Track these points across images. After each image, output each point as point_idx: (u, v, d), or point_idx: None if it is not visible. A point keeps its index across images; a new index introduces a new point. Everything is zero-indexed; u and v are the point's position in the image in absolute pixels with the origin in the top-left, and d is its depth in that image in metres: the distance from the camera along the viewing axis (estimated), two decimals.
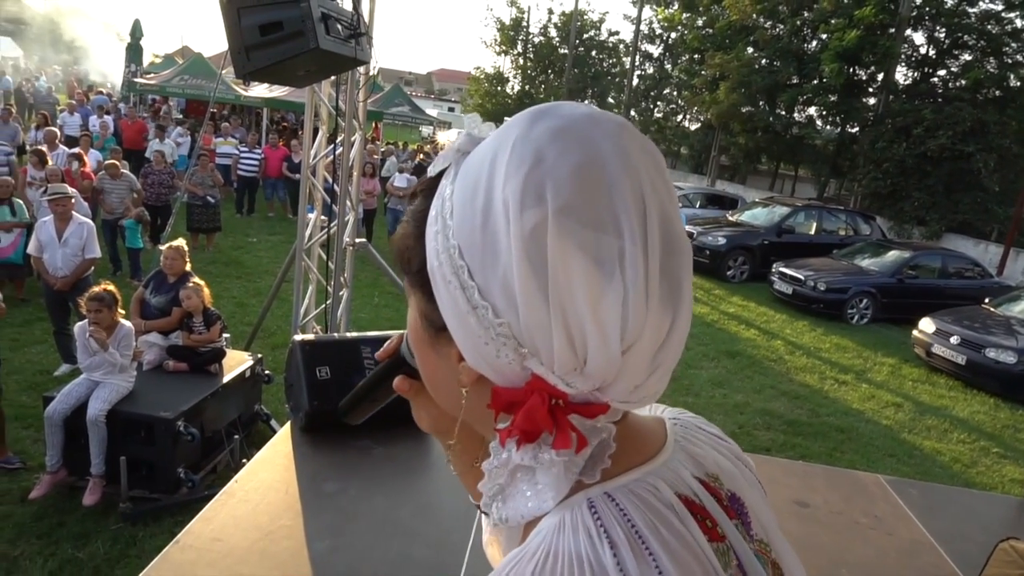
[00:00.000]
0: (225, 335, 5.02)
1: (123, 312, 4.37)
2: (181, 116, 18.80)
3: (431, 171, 0.58)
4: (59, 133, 10.70)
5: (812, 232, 14.75)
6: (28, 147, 10.67)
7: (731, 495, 0.62)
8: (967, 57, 20.68)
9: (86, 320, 4.17)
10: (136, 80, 20.17)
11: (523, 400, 0.51)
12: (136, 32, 21.94)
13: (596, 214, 0.47)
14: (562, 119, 0.51)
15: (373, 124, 21.08)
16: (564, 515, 0.52)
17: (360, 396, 0.78)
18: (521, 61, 35.41)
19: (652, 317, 0.49)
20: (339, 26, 3.38)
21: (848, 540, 3.02)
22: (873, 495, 3.47)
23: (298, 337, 3.41)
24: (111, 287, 4.29)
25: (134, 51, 21.87)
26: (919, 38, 21.62)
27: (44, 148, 8.93)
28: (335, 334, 4.20)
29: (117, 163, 8.52)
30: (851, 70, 20.27)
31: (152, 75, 20.88)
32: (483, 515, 0.83)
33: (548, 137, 0.50)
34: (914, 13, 20.16)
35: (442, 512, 2.80)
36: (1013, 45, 19.58)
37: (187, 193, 9.42)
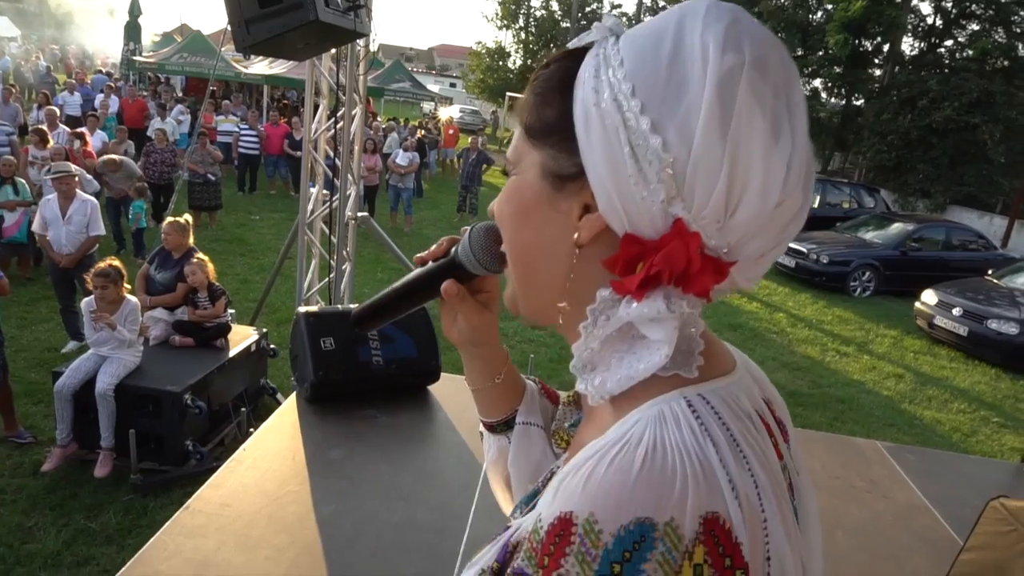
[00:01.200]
0: (230, 310, 5.07)
1: (128, 287, 4.42)
2: (181, 94, 18.70)
3: (574, 44, 0.61)
4: (59, 112, 10.67)
5: (816, 205, 14.70)
6: (29, 127, 10.65)
7: (779, 421, 0.64)
8: (974, 27, 20.42)
9: (92, 296, 4.22)
10: (135, 58, 20.05)
11: (660, 247, 0.53)
12: (134, 10, 21.73)
13: (778, 80, 0.52)
14: (727, 4, 0.56)
15: (368, 100, 20.96)
16: (662, 408, 0.52)
17: (387, 303, 0.76)
18: (523, 35, 35.02)
19: (796, 190, 0.53)
20: None
21: (844, 503, 3.08)
22: (870, 460, 3.52)
23: (302, 309, 3.45)
24: (116, 262, 4.33)
25: (132, 29, 21.68)
26: (926, 8, 21.49)
27: (45, 128, 8.92)
28: (339, 306, 4.24)
29: (114, 158, 8.45)
30: (856, 41, 20.02)
31: (151, 53, 20.75)
32: (491, 434, 0.85)
33: (738, 8, 0.55)
34: None
35: (444, 479, 2.86)
36: (1022, 14, 19.29)
37: (188, 171, 9.42)
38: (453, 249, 0.72)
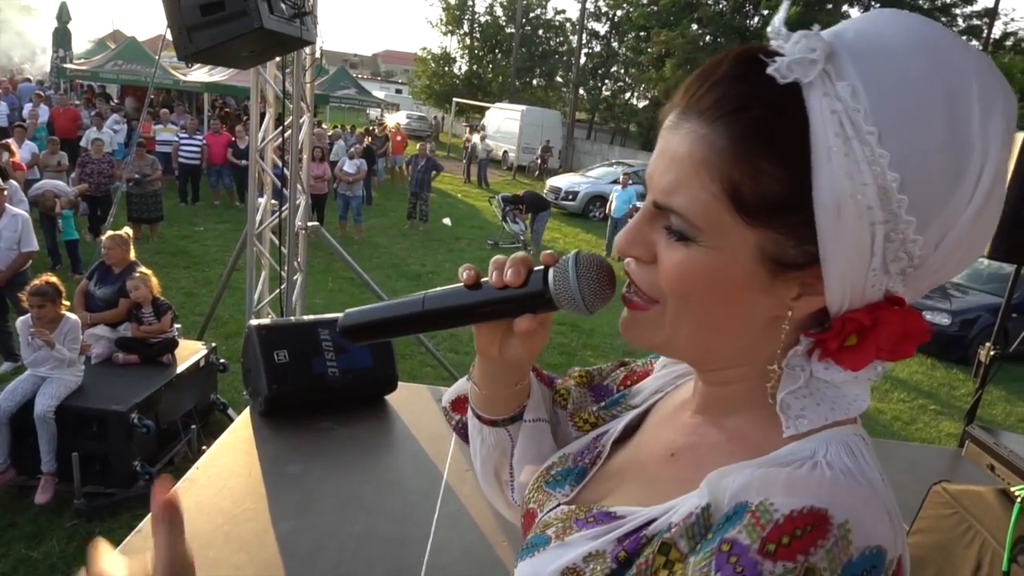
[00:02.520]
0: (176, 325, 4.92)
1: (67, 304, 4.25)
2: (117, 102, 18.09)
3: (786, 76, 0.48)
4: None
5: None
6: None
7: None
8: None
9: (29, 315, 4.05)
10: (66, 66, 19.32)
11: (873, 321, 0.51)
12: (63, 15, 20.98)
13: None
14: (980, 55, 0.50)
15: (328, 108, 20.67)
16: (848, 441, 0.52)
17: (407, 321, 0.67)
18: (468, 41, 35.11)
19: None
20: (283, 5, 3.32)
21: None
22: None
23: (254, 322, 3.38)
24: (54, 279, 4.16)
25: (62, 35, 20.92)
26: (856, 12, 22.22)
27: None
28: (291, 318, 4.17)
29: (50, 195, 7.95)
30: None
31: (83, 60, 20.02)
32: (491, 428, 0.80)
33: (993, 74, 0.49)
34: None
35: (405, 488, 2.84)
36: (943, 19, 20.29)
37: (126, 182, 9.09)
38: (547, 279, 0.61)
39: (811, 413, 0.54)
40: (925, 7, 20.25)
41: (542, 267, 0.63)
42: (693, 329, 0.57)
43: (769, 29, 0.52)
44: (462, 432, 0.88)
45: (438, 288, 0.66)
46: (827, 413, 0.54)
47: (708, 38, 22.64)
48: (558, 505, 0.68)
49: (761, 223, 0.50)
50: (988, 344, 3.88)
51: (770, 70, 0.49)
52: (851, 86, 0.47)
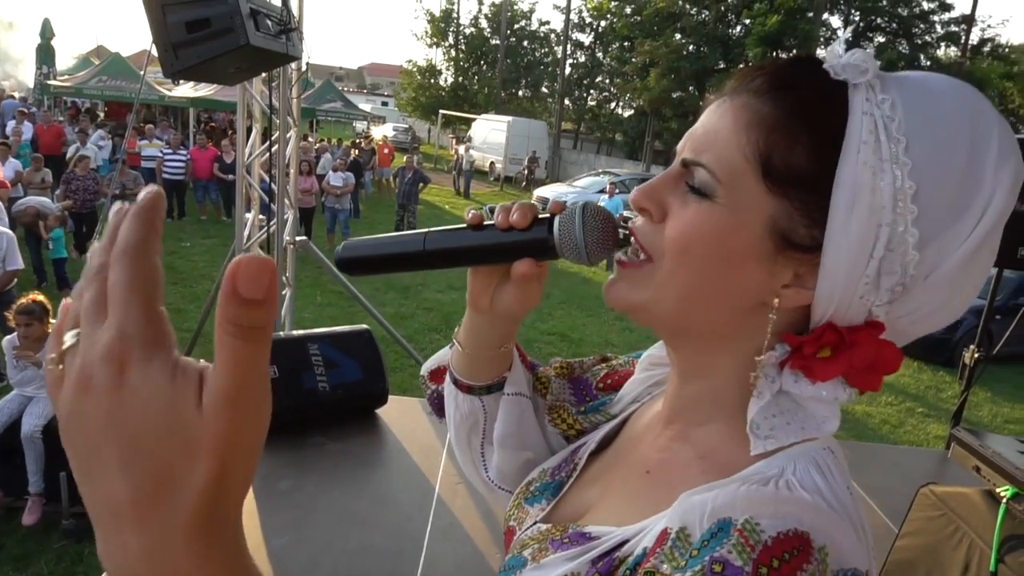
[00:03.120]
0: None
1: (53, 322, 4.22)
2: (102, 117, 18.02)
3: (838, 73, 0.53)
4: None
5: None
6: None
7: None
8: (881, 39, 21.70)
9: (15, 334, 4.02)
10: (49, 82, 19.22)
11: (852, 341, 0.52)
12: (46, 31, 20.85)
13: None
14: (1003, 119, 0.54)
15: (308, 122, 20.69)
16: (816, 457, 0.53)
17: (409, 256, 0.66)
18: (453, 53, 35.25)
19: None
20: (269, 22, 3.34)
21: None
22: None
23: None
24: (41, 298, 4.13)
25: (45, 52, 20.79)
26: (836, 21, 22.56)
27: None
28: (280, 332, 4.16)
29: (31, 210, 7.90)
30: (774, 53, 20.98)
31: (67, 76, 19.93)
32: (466, 394, 0.79)
33: (1013, 136, 0.53)
34: None
35: (399, 501, 2.84)
36: (921, 26, 20.64)
37: (111, 198, 9.04)
38: (551, 226, 0.62)
39: (780, 434, 0.55)
40: (904, 15, 20.60)
41: (548, 215, 0.63)
42: (680, 291, 0.57)
43: (828, 51, 0.55)
44: (436, 403, 0.86)
45: (441, 227, 0.66)
46: (795, 433, 0.55)
47: (691, 47, 22.88)
48: (534, 523, 0.68)
49: (782, 192, 0.53)
50: (972, 347, 3.93)
51: (826, 65, 0.54)
52: (891, 100, 0.52)
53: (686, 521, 0.50)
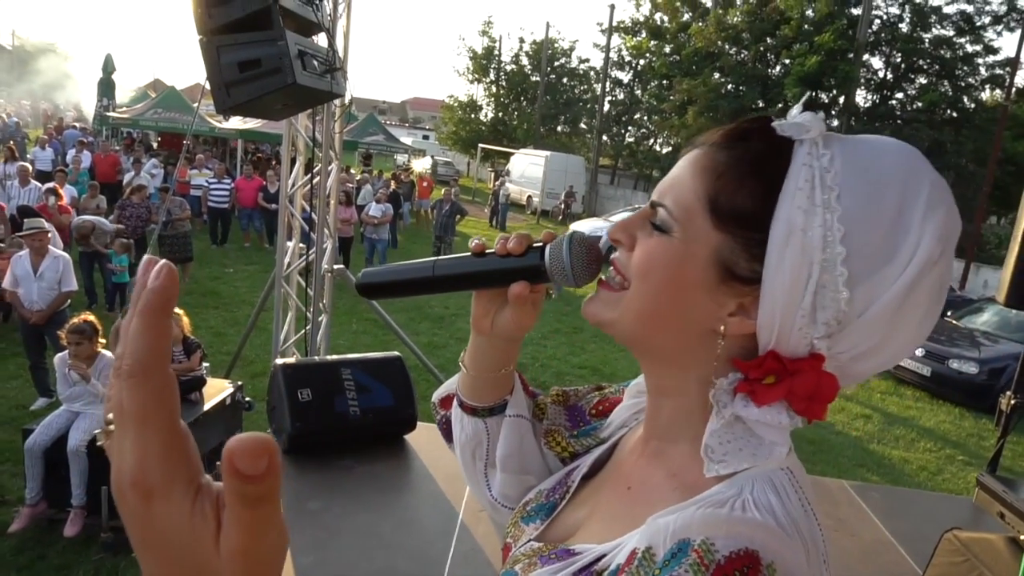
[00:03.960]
0: (204, 364, 5.06)
1: (103, 342, 4.41)
2: (155, 147, 18.77)
3: (784, 131, 0.59)
4: (31, 168, 10.66)
5: None
6: None
7: None
8: (922, 80, 21.50)
9: (66, 352, 4.21)
10: (109, 114, 20.14)
11: (795, 369, 0.58)
12: (108, 66, 21.92)
13: (950, 269, 0.59)
14: (938, 176, 0.60)
15: (357, 154, 21.24)
16: (772, 479, 0.58)
17: (421, 281, 0.75)
18: (494, 89, 35.90)
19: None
20: (315, 62, 3.53)
21: None
22: (837, 499, 3.62)
23: (279, 361, 3.50)
24: (91, 317, 4.33)
25: (106, 85, 21.84)
26: (877, 63, 22.44)
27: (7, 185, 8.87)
28: (316, 357, 4.29)
29: (87, 224, 8.38)
30: (813, 94, 20.93)
31: (125, 109, 20.87)
32: (470, 416, 0.85)
33: (947, 192, 0.59)
34: (871, 39, 20.94)
35: (423, 525, 2.89)
36: (964, 68, 20.40)
37: (167, 214, 9.37)
38: (543, 253, 0.70)
39: (732, 459, 0.60)
40: (947, 57, 20.40)
41: (541, 243, 0.71)
42: (639, 311, 0.64)
43: (789, 114, 0.62)
44: (445, 428, 0.93)
45: (448, 255, 0.75)
46: (747, 459, 0.60)
47: (730, 86, 22.96)
48: (528, 541, 0.74)
49: (727, 229, 0.59)
50: (1008, 393, 3.85)
51: (774, 124, 0.61)
52: (831, 155, 0.58)
53: (652, 541, 0.56)
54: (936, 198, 0.58)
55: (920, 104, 20.26)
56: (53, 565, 3.83)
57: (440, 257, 0.75)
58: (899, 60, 21.54)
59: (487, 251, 0.73)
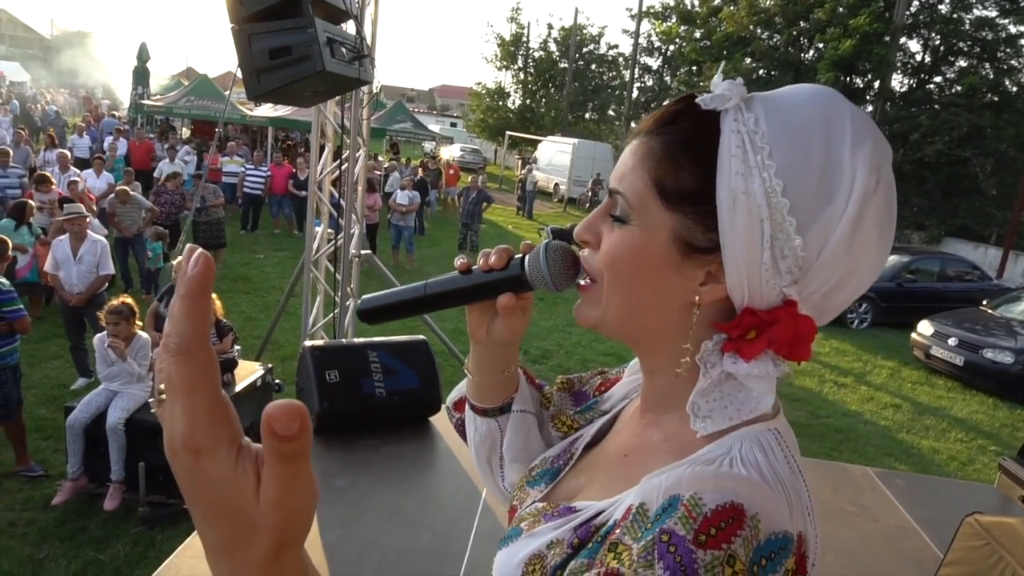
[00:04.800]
0: (236, 346, 5.20)
1: (140, 324, 4.56)
2: (188, 134, 19.10)
3: (707, 104, 0.62)
4: (69, 155, 10.93)
5: None
6: (38, 169, 10.90)
7: None
8: (962, 63, 20.90)
9: (105, 332, 4.36)
10: (143, 102, 20.52)
11: (772, 320, 0.61)
12: (143, 55, 22.30)
13: (892, 193, 0.62)
14: (857, 108, 0.63)
15: (386, 139, 21.39)
16: (759, 437, 0.62)
17: (413, 302, 0.80)
18: (522, 76, 35.76)
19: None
20: (343, 49, 3.58)
21: (834, 527, 3.16)
22: (861, 485, 3.61)
23: (308, 343, 3.58)
24: (129, 300, 4.47)
25: (140, 74, 22.23)
26: (914, 46, 21.86)
27: (48, 172, 9.14)
28: (343, 340, 4.38)
29: (126, 189, 8.71)
30: (847, 78, 20.49)
31: (159, 97, 21.25)
32: (482, 417, 0.91)
33: (869, 123, 0.62)
34: (909, 21, 20.40)
35: (446, 503, 2.96)
36: (1007, 50, 19.79)
37: (201, 200, 9.56)
38: (523, 263, 0.74)
39: (717, 415, 0.64)
40: (988, 39, 19.79)
41: (521, 255, 0.76)
42: (619, 302, 0.68)
43: (711, 82, 0.66)
44: (461, 429, 0.99)
45: (437, 276, 0.80)
46: (732, 414, 0.64)
47: (761, 71, 22.57)
48: (533, 502, 0.79)
49: (677, 208, 0.63)
50: None
51: (697, 100, 0.64)
52: (755, 117, 0.61)
53: (645, 498, 0.59)
54: (860, 132, 0.61)
55: (959, 88, 19.67)
56: (93, 537, 3.99)
57: (430, 280, 0.80)
58: (938, 42, 20.95)
59: (472, 268, 0.78)
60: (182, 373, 0.39)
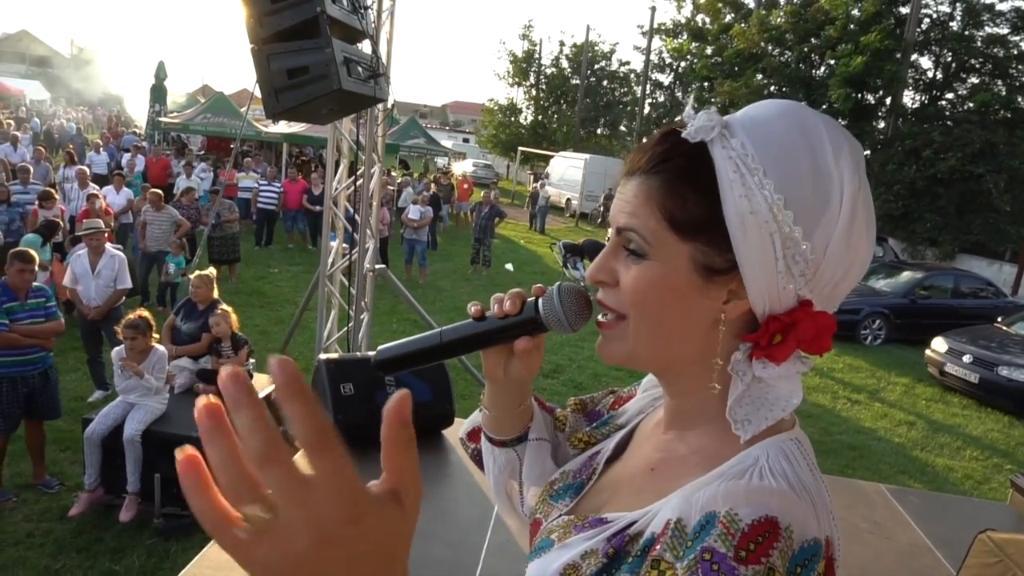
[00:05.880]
0: (251, 359, 5.25)
1: (156, 337, 4.62)
2: (203, 152, 19.36)
3: (694, 137, 0.67)
4: (88, 172, 11.10)
5: None
6: (57, 185, 11.09)
7: None
8: (974, 80, 20.84)
9: (122, 346, 4.43)
10: (160, 119, 20.84)
11: (793, 322, 0.66)
12: (160, 73, 22.69)
13: (868, 185, 0.69)
14: (825, 116, 0.69)
15: (397, 157, 21.57)
16: (782, 447, 0.66)
17: (430, 351, 0.80)
18: (534, 92, 35.99)
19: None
20: (359, 68, 3.66)
21: (847, 543, 3.12)
22: (874, 503, 3.60)
23: (323, 356, 3.63)
24: (146, 314, 4.54)
25: (158, 92, 22.60)
26: (926, 62, 21.83)
27: (67, 188, 9.29)
28: (357, 353, 4.42)
29: (159, 193, 8.83)
30: (859, 95, 20.48)
31: (176, 114, 21.56)
32: (500, 448, 0.94)
33: (838, 127, 0.69)
34: (920, 38, 20.40)
35: (458, 516, 2.98)
36: (1019, 67, 19.73)
37: (216, 216, 9.68)
38: (537, 307, 0.76)
39: (755, 417, 0.68)
40: (1001, 56, 19.74)
41: (534, 298, 0.78)
42: (650, 335, 0.71)
43: (684, 114, 0.71)
44: (477, 459, 1.01)
45: (452, 324, 0.82)
46: (767, 415, 0.68)
47: (773, 88, 22.60)
48: (560, 516, 0.81)
49: (691, 238, 0.67)
50: None
51: (684, 135, 0.69)
52: (740, 141, 0.66)
53: (682, 513, 0.62)
54: (836, 138, 0.67)
55: (971, 104, 19.63)
56: (109, 547, 4.04)
57: (445, 327, 0.81)
58: (949, 59, 20.93)
59: (487, 314, 0.80)
60: (326, 460, 0.40)
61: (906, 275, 12.63)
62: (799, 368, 0.68)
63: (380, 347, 0.82)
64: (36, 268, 4.54)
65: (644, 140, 0.74)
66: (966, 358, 9.20)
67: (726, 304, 0.69)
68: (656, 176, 0.69)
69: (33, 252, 4.62)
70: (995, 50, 19.80)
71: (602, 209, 24.04)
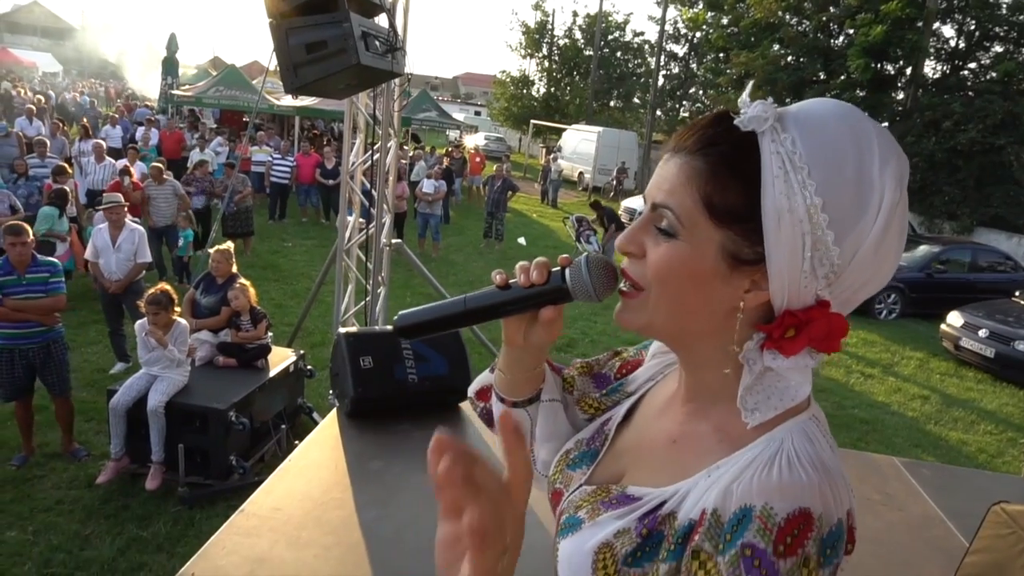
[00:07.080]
0: (269, 333, 5.33)
1: (178, 311, 4.69)
2: (216, 126, 19.36)
3: (746, 126, 0.68)
4: (104, 145, 11.15)
5: None
6: (73, 159, 11.15)
7: None
8: (998, 49, 20.38)
9: (144, 319, 4.50)
10: (173, 92, 20.81)
11: (808, 319, 0.68)
12: (172, 45, 22.59)
13: (907, 200, 0.69)
14: (881, 127, 0.70)
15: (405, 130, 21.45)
16: (804, 427, 0.69)
17: (453, 317, 0.81)
18: (546, 64, 35.59)
19: None
20: (377, 42, 3.65)
21: (860, 515, 3.12)
22: (887, 475, 3.63)
23: (343, 330, 3.68)
24: (168, 288, 4.61)
25: (170, 64, 22.54)
26: (948, 31, 21.35)
27: (67, 164, 9.32)
28: (376, 327, 4.48)
29: (161, 167, 8.85)
30: (878, 65, 20.10)
31: (187, 86, 21.52)
32: (513, 408, 0.96)
33: (891, 140, 0.69)
34: (943, 6, 19.93)
35: None
36: None
37: (232, 190, 9.71)
38: (564, 277, 0.78)
39: (763, 406, 0.71)
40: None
41: (559, 268, 0.79)
42: (669, 310, 0.73)
43: (739, 100, 0.71)
44: (486, 418, 1.04)
45: (475, 291, 0.83)
46: (776, 404, 0.71)
47: (790, 58, 22.20)
48: (580, 486, 0.85)
49: (725, 225, 0.69)
50: None
51: (736, 122, 0.69)
52: (792, 138, 0.67)
53: (718, 504, 0.66)
54: (886, 150, 0.67)
55: (994, 74, 19.22)
56: (136, 515, 4.15)
57: (469, 294, 0.82)
58: (973, 27, 20.45)
59: (511, 282, 0.81)
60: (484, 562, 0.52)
61: (923, 249, 12.51)
62: (808, 362, 0.70)
63: (401, 312, 0.83)
64: (29, 239, 4.51)
65: (692, 123, 0.74)
66: (982, 332, 9.15)
67: (747, 293, 0.70)
68: (701, 158, 0.70)
69: (24, 224, 4.62)
70: (1021, 17, 19.31)
71: (615, 183, 23.91)
